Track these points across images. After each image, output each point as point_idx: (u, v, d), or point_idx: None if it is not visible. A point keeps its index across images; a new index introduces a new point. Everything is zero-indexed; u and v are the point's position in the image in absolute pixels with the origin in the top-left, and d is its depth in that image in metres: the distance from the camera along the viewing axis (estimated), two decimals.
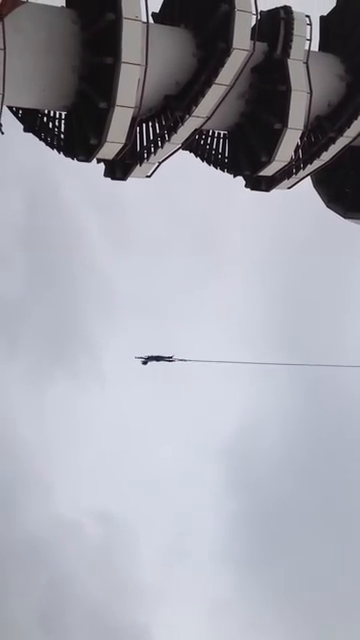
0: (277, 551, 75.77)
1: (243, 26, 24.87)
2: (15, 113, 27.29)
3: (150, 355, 37.71)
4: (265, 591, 75.36)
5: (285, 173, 29.04)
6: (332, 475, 74.22)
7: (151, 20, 25.75)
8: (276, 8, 27.12)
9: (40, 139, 27.68)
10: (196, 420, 79.84)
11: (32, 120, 27.45)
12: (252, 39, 25.56)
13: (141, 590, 73.89)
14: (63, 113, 26.79)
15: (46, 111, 27.10)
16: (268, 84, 26.87)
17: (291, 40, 26.48)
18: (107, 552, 74.89)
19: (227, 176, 30.15)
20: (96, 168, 27.56)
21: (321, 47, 29.59)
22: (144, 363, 37.71)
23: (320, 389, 73.62)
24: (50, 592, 70.44)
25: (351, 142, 29.06)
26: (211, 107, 25.92)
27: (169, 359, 37.60)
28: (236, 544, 77.71)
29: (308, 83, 26.80)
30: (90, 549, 73.97)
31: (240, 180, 30.07)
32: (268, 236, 71.00)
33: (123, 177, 27.68)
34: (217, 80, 25.19)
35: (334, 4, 30.08)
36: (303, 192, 31.84)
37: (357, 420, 69.59)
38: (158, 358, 37.61)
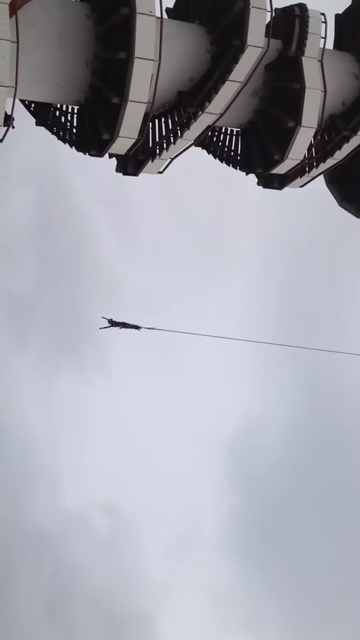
0: (278, 543, 76.17)
1: (258, 23, 24.71)
2: (27, 107, 27.26)
3: (115, 320, 36.67)
4: (266, 582, 75.92)
5: (298, 171, 28.89)
6: (332, 467, 74.45)
7: (165, 15, 25.70)
8: (291, 5, 26.97)
9: (52, 133, 27.64)
10: (200, 413, 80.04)
11: (45, 114, 27.40)
12: (266, 36, 25.43)
13: (146, 581, 74.37)
14: (76, 107, 26.74)
15: (59, 105, 27.05)
16: (282, 82, 26.72)
17: (306, 38, 26.31)
18: (112, 544, 75.31)
19: (234, 173, 30.07)
20: (106, 163, 27.53)
21: (336, 45, 29.40)
22: (109, 325, 36.64)
23: (321, 383, 73.87)
24: (57, 583, 70.97)
25: None
26: (224, 104, 25.79)
27: (136, 327, 36.74)
28: (238, 536, 78.13)
29: (322, 81, 26.64)
30: (96, 540, 74.36)
31: (244, 177, 29.98)
32: (275, 233, 70.88)
33: (135, 173, 27.57)
34: (231, 77, 25.04)
35: (349, 2, 29.86)
36: (315, 191, 31.70)
37: (358, 413, 69.79)
38: (124, 325, 36.71)
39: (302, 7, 26.68)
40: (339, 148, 28.53)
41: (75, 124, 27.15)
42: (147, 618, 71.98)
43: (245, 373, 76.45)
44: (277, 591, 75.45)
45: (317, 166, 29.04)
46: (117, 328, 36.69)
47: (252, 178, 30.03)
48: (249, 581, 75.87)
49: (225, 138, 30.10)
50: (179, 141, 26.36)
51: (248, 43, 24.60)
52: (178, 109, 26.14)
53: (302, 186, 30.18)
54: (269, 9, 25.07)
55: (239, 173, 29.94)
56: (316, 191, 32.21)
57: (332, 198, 33.02)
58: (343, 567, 73.23)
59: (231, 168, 30.18)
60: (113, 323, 36.63)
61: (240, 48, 24.69)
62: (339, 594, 72.57)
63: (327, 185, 32.97)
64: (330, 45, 28.75)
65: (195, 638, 74.06)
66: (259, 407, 79.53)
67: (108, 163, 27.59)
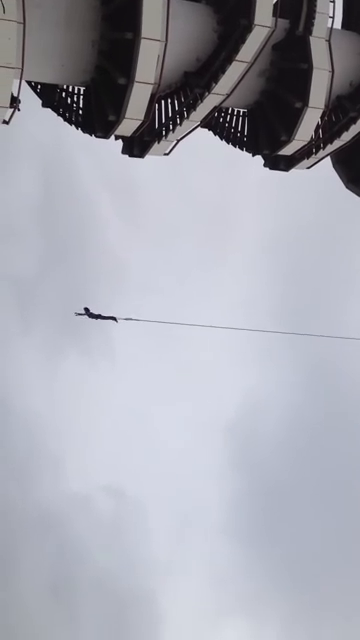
0: (280, 527, 76.72)
1: (265, 2, 24.43)
2: (34, 88, 27.11)
3: (92, 312, 36.06)
4: (267, 564, 76.74)
5: (305, 153, 28.73)
6: (334, 453, 74.75)
7: None
8: None
9: (58, 115, 27.51)
10: (203, 398, 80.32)
11: (51, 96, 27.26)
12: (274, 15, 25.17)
13: (149, 562, 75.08)
14: (82, 89, 26.58)
15: (65, 86, 26.89)
16: (289, 62, 26.50)
17: (314, 17, 26.01)
18: (116, 525, 75.82)
19: (241, 154, 29.92)
20: (112, 145, 27.41)
21: (344, 25, 29.11)
22: (85, 313, 35.95)
23: (324, 368, 73.96)
24: (60, 564, 71.57)
25: None
26: (231, 84, 25.60)
27: (112, 319, 36.26)
28: (240, 519, 78.73)
29: (330, 62, 26.42)
30: (99, 522, 74.86)
31: (250, 158, 29.84)
32: (281, 215, 70.70)
33: (141, 154, 27.46)
34: (238, 57, 24.80)
35: None
36: (321, 173, 31.57)
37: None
38: (100, 316, 36.16)
39: None
40: (346, 129, 28.35)
41: (81, 105, 27.01)
42: (150, 598, 72.73)
43: (247, 358, 76.58)
44: (278, 574, 76.27)
45: (324, 147, 28.88)
46: (93, 319, 36.01)
47: (259, 160, 29.92)
48: (250, 563, 76.69)
49: (232, 119, 29.91)
50: (185, 122, 26.20)
51: (255, 22, 24.31)
52: (184, 90, 25.92)
53: (309, 167, 30.04)
54: None
55: (246, 154, 29.81)
56: (322, 173, 32.09)
57: (338, 179, 32.92)
58: (344, 551, 73.77)
59: (237, 149, 30.05)
60: (90, 314, 35.94)
61: (247, 28, 24.40)
62: (340, 578, 73.17)
63: (334, 166, 32.82)
64: (338, 25, 28.51)
65: (197, 618, 74.92)
66: (261, 392, 79.77)
67: (114, 145, 27.50)
